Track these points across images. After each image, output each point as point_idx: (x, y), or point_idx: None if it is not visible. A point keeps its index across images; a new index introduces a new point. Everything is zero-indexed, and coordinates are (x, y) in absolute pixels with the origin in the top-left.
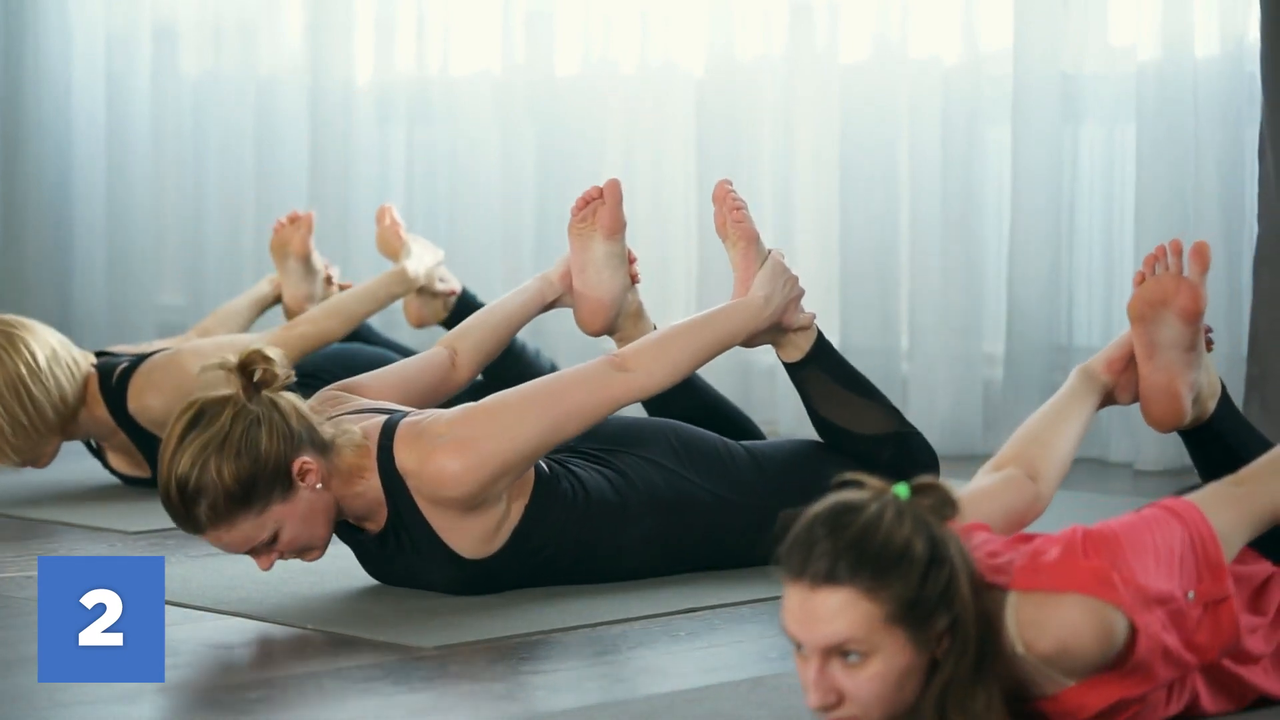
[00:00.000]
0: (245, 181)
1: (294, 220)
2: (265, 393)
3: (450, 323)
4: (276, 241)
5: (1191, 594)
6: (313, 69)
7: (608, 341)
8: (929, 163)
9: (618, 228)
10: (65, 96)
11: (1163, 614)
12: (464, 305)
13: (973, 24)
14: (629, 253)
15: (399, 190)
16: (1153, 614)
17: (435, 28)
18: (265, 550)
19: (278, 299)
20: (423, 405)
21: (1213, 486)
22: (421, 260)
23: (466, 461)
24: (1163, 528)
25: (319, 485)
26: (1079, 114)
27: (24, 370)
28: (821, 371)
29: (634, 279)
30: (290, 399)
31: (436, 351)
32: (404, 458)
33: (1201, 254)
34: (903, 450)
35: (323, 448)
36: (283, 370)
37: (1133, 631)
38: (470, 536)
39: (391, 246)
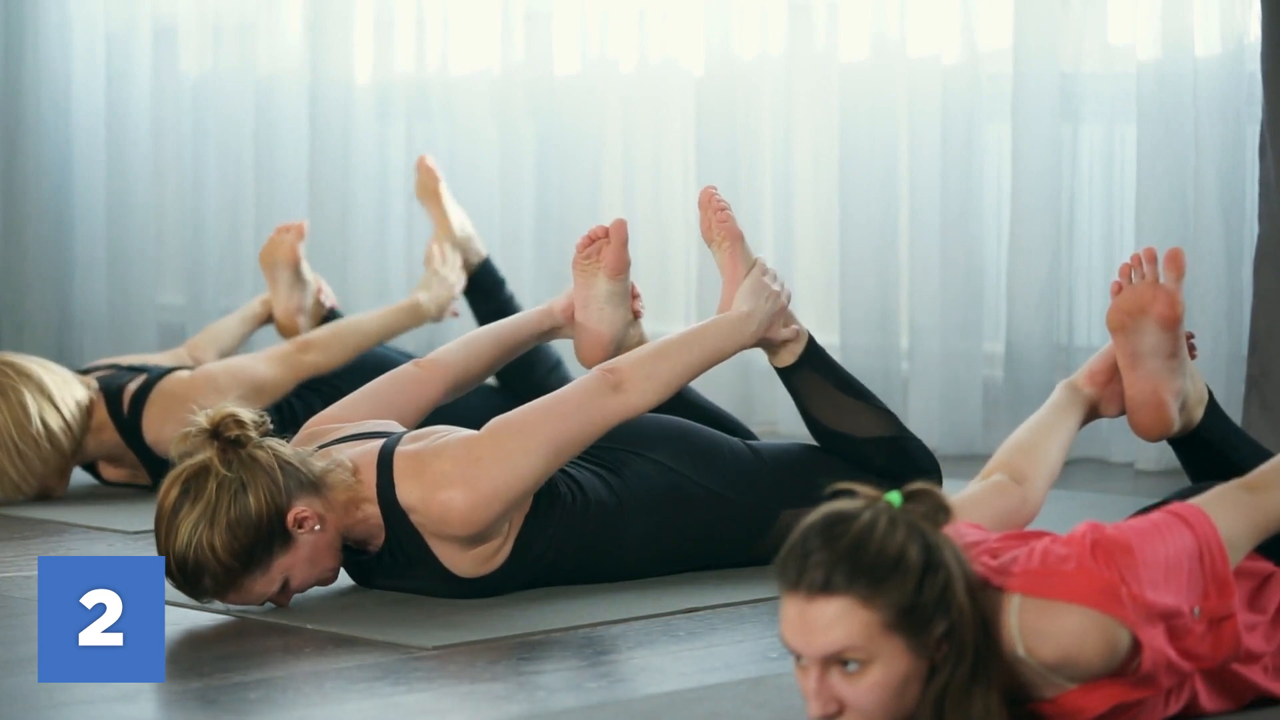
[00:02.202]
0: (245, 180)
1: (285, 230)
2: (244, 450)
3: (469, 293)
4: (265, 250)
5: (1197, 610)
6: (312, 68)
7: None
8: (928, 162)
9: (622, 268)
10: (65, 96)
11: (1165, 627)
12: (484, 274)
13: (972, 23)
14: (632, 287)
15: (399, 189)
16: (1156, 628)
17: (434, 26)
18: (279, 596)
19: (269, 318)
20: (402, 420)
21: (1222, 489)
22: (437, 298)
23: (473, 501)
24: (1174, 536)
25: (317, 527)
26: (1078, 113)
27: (13, 429)
28: (814, 374)
29: (636, 314)
30: (270, 448)
31: (404, 368)
32: (406, 492)
33: (1175, 260)
34: (902, 455)
35: (314, 487)
36: (256, 428)
37: (1136, 643)
38: (473, 560)
39: (429, 189)
